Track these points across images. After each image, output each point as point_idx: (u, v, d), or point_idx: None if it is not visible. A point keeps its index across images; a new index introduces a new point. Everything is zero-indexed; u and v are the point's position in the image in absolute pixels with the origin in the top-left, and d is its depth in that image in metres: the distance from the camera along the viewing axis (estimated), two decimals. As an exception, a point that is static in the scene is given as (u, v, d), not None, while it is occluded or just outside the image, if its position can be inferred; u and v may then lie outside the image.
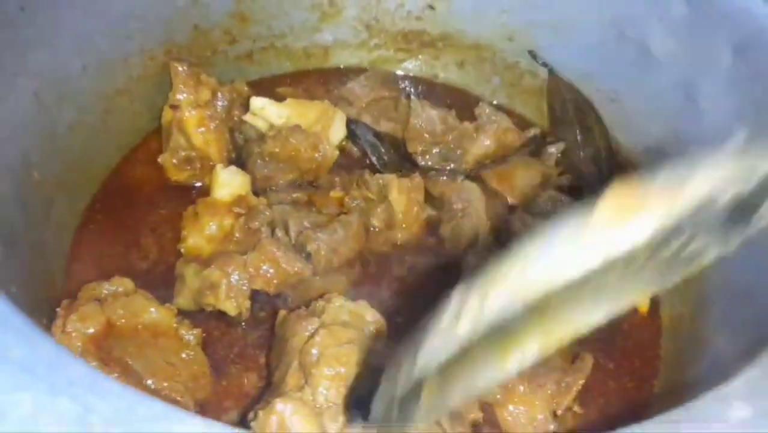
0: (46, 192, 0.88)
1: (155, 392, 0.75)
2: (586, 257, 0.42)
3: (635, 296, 0.46)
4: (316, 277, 0.91)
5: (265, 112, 1.01)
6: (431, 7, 1.15)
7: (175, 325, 0.82)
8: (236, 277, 0.85)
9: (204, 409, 0.79)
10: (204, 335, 0.84)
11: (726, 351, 0.77)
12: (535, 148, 1.11)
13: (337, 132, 1.05)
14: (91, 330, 0.78)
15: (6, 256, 0.72)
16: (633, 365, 0.92)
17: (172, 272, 0.91)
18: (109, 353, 0.78)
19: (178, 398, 0.75)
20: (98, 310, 0.80)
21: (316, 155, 1.00)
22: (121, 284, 0.84)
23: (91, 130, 0.96)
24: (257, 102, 1.01)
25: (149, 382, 0.76)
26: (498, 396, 0.80)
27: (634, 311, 0.96)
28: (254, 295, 0.88)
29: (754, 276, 0.78)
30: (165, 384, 0.76)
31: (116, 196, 1.00)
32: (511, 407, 0.80)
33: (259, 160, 0.98)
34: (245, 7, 1.10)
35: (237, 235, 0.91)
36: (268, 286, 0.87)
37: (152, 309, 0.82)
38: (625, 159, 1.06)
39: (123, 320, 0.81)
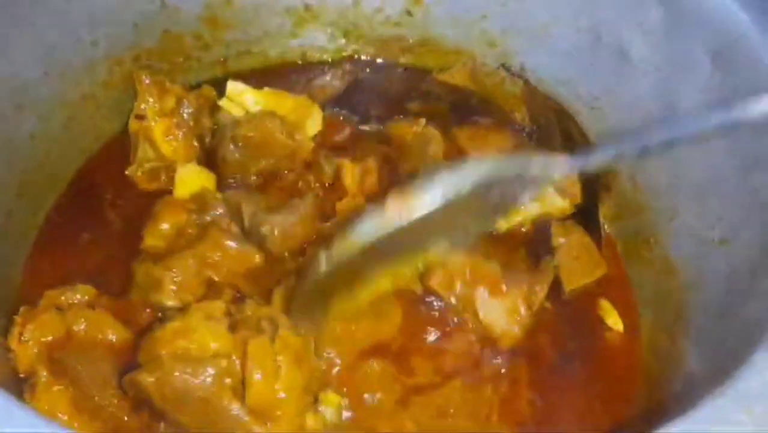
0: (4, 203, 0.86)
1: (102, 408, 0.74)
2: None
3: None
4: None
5: (242, 97, 0.99)
6: (409, 13, 1.12)
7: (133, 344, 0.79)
8: (178, 273, 0.83)
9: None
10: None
11: (699, 371, 0.75)
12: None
13: (313, 125, 1.03)
14: (49, 338, 0.77)
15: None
16: (612, 383, 0.89)
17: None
18: (61, 362, 0.76)
19: (125, 418, 0.74)
20: (58, 319, 0.79)
21: (291, 142, 0.98)
22: (84, 291, 0.83)
23: (54, 138, 0.94)
24: (234, 86, 0.99)
25: (96, 397, 0.74)
26: (480, 291, 0.86)
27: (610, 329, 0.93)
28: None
29: (729, 297, 0.76)
30: (114, 401, 0.74)
31: (81, 202, 0.98)
32: (488, 299, 0.86)
33: (231, 145, 0.96)
34: (218, 12, 1.07)
35: (189, 231, 0.89)
36: (218, 276, 0.85)
37: (115, 328, 0.80)
38: (606, 166, 1.03)
39: (83, 332, 0.79)
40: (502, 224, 0.96)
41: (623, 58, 0.95)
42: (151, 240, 0.90)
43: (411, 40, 1.15)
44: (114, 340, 0.79)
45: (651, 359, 0.91)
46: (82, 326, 0.79)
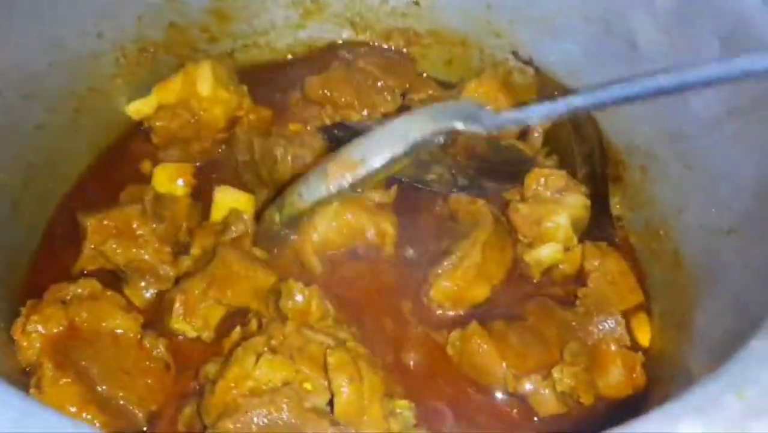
0: (11, 193, 0.87)
1: (107, 400, 0.73)
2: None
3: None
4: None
5: (141, 112, 1.02)
6: (416, 3, 1.11)
7: (138, 335, 0.80)
8: (187, 295, 0.81)
9: (153, 421, 0.76)
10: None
11: (705, 365, 0.73)
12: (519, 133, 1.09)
13: (205, 84, 1.01)
14: (52, 331, 0.77)
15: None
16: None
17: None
18: (66, 355, 0.76)
19: (129, 408, 0.74)
20: (61, 312, 0.79)
21: (191, 120, 0.99)
22: (88, 285, 0.82)
23: (61, 129, 0.95)
24: (129, 108, 1.02)
25: (102, 388, 0.74)
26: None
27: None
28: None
29: (740, 289, 0.74)
30: (120, 393, 0.74)
31: (90, 196, 0.98)
32: None
33: (160, 152, 1.00)
34: (224, 5, 1.07)
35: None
36: (224, 299, 0.82)
37: (117, 316, 0.80)
38: (616, 157, 1.01)
39: (86, 324, 0.79)
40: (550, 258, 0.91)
41: (632, 46, 0.93)
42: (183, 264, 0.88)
43: (418, 31, 1.14)
44: (118, 329, 0.79)
45: (658, 355, 0.88)
46: (85, 318, 0.79)
